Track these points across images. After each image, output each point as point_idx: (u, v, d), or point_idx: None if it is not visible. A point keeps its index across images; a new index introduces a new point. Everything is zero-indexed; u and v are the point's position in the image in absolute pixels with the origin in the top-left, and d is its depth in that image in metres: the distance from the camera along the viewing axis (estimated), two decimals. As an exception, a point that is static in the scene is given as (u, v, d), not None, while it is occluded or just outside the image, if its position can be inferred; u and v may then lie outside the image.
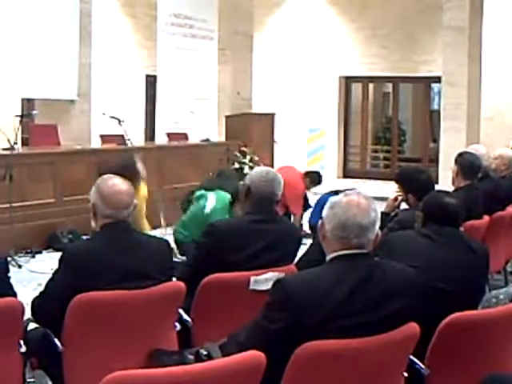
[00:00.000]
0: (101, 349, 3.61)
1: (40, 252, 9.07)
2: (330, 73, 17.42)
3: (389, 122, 18.72)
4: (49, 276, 3.76)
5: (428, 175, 5.53)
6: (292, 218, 9.77)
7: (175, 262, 4.43)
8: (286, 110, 16.95)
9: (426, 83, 17.13)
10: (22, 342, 3.57)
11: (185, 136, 13.07)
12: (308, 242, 4.88)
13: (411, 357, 3.30)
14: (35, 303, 3.77)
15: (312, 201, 10.14)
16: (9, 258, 7.49)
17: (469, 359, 3.48)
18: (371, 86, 18.33)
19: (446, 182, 6.65)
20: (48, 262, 8.19)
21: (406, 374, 3.27)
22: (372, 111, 18.80)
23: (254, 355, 2.66)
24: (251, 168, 11.54)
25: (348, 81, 17.83)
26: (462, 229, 4.11)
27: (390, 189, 6.16)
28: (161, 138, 13.16)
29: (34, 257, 8.86)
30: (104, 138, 11.42)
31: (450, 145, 13.07)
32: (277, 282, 3.00)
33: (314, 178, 10.44)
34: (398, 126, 18.18)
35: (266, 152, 13.52)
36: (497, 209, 6.54)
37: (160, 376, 2.51)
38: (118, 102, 15.34)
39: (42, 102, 12.71)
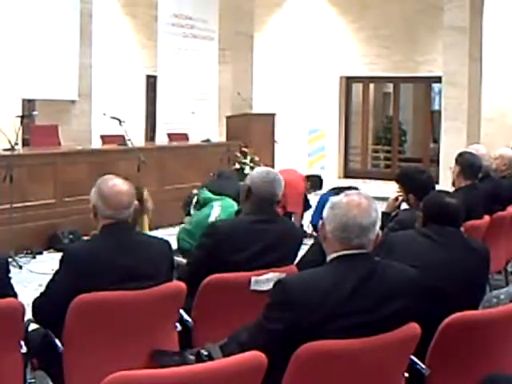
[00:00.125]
0: (101, 349, 3.61)
1: (41, 253, 9.06)
2: (331, 73, 17.42)
3: (389, 122, 18.74)
4: (49, 277, 3.76)
5: (428, 175, 5.54)
6: (292, 219, 9.77)
7: (176, 262, 4.44)
8: (287, 111, 16.95)
9: (427, 83, 17.13)
10: (22, 342, 3.57)
11: (185, 136, 13.06)
12: (309, 242, 4.88)
13: (412, 357, 3.30)
14: (36, 304, 3.77)
15: (313, 201, 10.14)
16: (9, 259, 7.47)
17: (469, 359, 3.48)
18: (372, 86, 18.34)
19: (446, 182, 6.66)
20: (49, 263, 8.19)
21: (406, 374, 3.27)
22: (373, 111, 18.81)
23: (255, 355, 2.66)
24: (252, 168, 11.54)
25: (349, 81, 17.83)
26: (462, 229, 4.11)
27: (391, 189, 6.15)
28: (161, 139, 13.16)
29: (34, 257, 8.85)
30: (104, 139, 11.42)
31: (451, 145, 13.06)
32: (277, 283, 3.00)
33: (315, 182, 10.44)
34: (398, 126, 18.18)
35: (266, 152, 13.51)
36: (497, 209, 6.54)
37: (161, 376, 2.51)
38: (118, 102, 15.34)
39: (43, 103, 12.71)
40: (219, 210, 6.98)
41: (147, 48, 16.37)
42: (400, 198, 5.55)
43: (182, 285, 3.84)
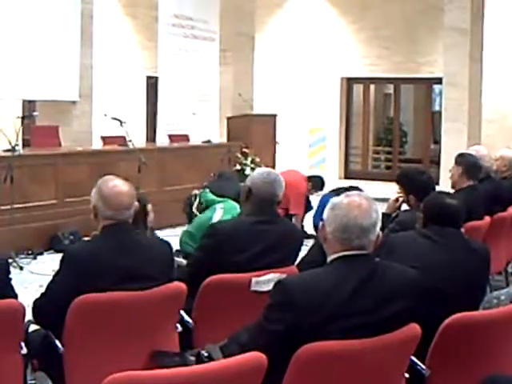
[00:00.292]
0: (102, 350, 3.61)
1: (41, 253, 9.06)
2: (332, 74, 17.42)
3: (390, 123, 18.75)
4: (50, 277, 3.76)
5: (429, 176, 5.54)
6: (293, 220, 9.76)
7: (176, 262, 4.44)
8: (288, 111, 16.94)
9: (428, 84, 17.13)
10: (23, 343, 3.58)
11: (186, 137, 13.06)
12: (310, 243, 4.88)
13: (412, 357, 3.30)
14: (36, 305, 3.77)
15: (314, 202, 10.13)
16: (10, 260, 7.47)
17: (470, 360, 3.48)
18: (372, 87, 18.34)
19: (447, 183, 6.65)
20: (49, 264, 8.20)
21: (406, 375, 3.27)
22: (373, 112, 18.80)
23: (255, 356, 2.66)
24: (253, 169, 11.53)
25: (349, 82, 17.83)
26: (462, 230, 4.11)
27: (392, 190, 6.15)
28: (162, 140, 13.17)
29: (35, 258, 8.85)
30: (105, 140, 11.42)
31: (451, 146, 13.05)
32: (278, 283, 3.00)
33: (317, 183, 10.43)
34: (399, 127, 18.19)
35: (267, 153, 13.51)
36: (498, 210, 6.54)
37: (161, 377, 2.51)
38: (119, 103, 15.33)
39: (43, 103, 12.71)
40: (222, 212, 6.97)
41: (148, 49, 16.37)
42: (400, 199, 5.56)
43: (183, 285, 3.84)
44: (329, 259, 3.07)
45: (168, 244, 4.00)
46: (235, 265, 4.17)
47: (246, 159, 12.72)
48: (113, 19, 16.29)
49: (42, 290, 3.78)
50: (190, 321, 4.15)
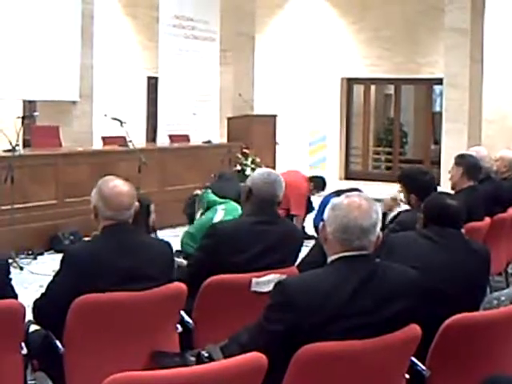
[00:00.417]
0: (102, 350, 3.61)
1: (42, 254, 9.06)
2: (332, 74, 17.43)
3: (391, 124, 18.75)
4: (50, 278, 3.76)
5: (432, 176, 5.54)
6: (294, 220, 9.76)
7: (177, 263, 4.44)
8: (288, 112, 16.95)
9: (428, 85, 17.13)
10: (23, 344, 3.58)
11: (186, 138, 13.06)
12: (310, 243, 4.88)
13: (412, 358, 3.30)
14: (36, 305, 3.77)
15: (316, 202, 10.12)
16: (10, 260, 7.47)
17: (470, 361, 3.48)
18: (373, 87, 18.35)
19: (447, 183, 6.65)
20: (50, 264, 8.20)
21: (407, 376, 3.27)
22: (374, 113, 18.80)
23: (256, 357, 2.66)
24: (253, 170, 11.53)
25: (350, 82, 17.84)
26: (463, 230, 4.11)
27: (392, 190, 6.15)
28: (162, 140, 13.17)
29: (35, 258, 8.85)
30: (106, 140, 11.42)
31: (452, 146, 13.06)
32: (278, 284, 3.00)
33: (319, 183, 10.42)
34: (399, 128, 18.20)
35: (267, 154, 13.51)
36: (498, 210, 6.54)
37: (161, 378, 2.51)
38: (119, 103, 15.35)
39: (44, 104, 12.72)
40: (223, 213, 6.96)
41: (148, 49, 16.38)
42: (399, 198, 5.56)
43: (183, 286, 3.84)
44: (329, 260, 3.07)
45: (168, 244, 4.00)
46: (235, 265, 4.17)
47: (246, 159, 12.72)
48: (113, 19, 16.31)
49: (42, 290, 3.78)
50: (191, 321, 4.15)
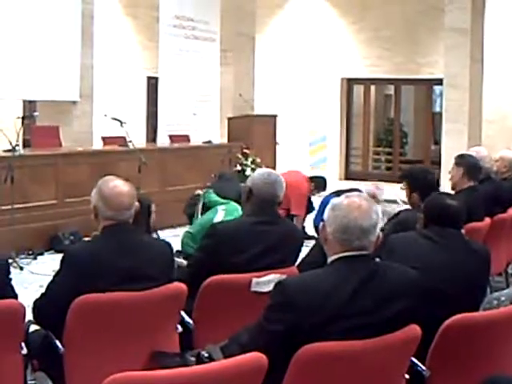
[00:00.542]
0: (102, 350, 3.61)
1: (42, 254, 9.06)
2: (332, 74, 17.42)
3: (391, 124, 18.75)
4: (50, 278, 3.76)
5: (435, 177, 5.56)
6: (294, 221, 9.75)
7: (177, 263, 4.44)
8: (288, 112, 16.95)
9: (428, 85, 17.13)
10: (23, 343, 3.58)
11: (187, 138, 13.06)
12: (310, 243, 4.88)
13: (412, 358, 3.30)
14: (36, 305, 3.77)
15: (316, 203, 10.11)
16: (10, 260, 7.48)
17: (470, 361, 3.48)
18: (373, 87, 18.34)
19: (448, 184, 6.65)
20: (50, 264, 8.20)
21: (407, 376, 3.27)
22: (374, 113, 18.79)
23: (256, 357, 2.66)
24: (253, 170, 11.53)
25: (350, 83, 17.83)
26: (463, 231, 4.11)
27: (392, 191, 6.17)
28: (163, 140, 13.17)
29: (35, 258, 8.85)
30: (106, 140, 11.43)
31: (452, 147, 13.06)
32: (278, 284, 3.00)
33: (319, 184, 10.41)
34: (399, 128, 18.19)
35: (267, 154, 13.51)
36: (498, 211, 6.54)
37: (161, 378, 2.51)
38: (119, 103, 15.34)
39: (44, 104, 12.71)
40: (223, 214, 6.97)
41: (148, 49, 16.38)
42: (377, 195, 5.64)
43: (183, 286, 3.84)
44: (329, 260, 3.07)
45: (168, 244, 4.01)
46: (235, 265, 4.17)
47: (246, 160, 12.71)
48: (113, 19, 16.31)
49: (43, 290, 3.78)
50: (191, 321, 4.15)
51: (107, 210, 3.73)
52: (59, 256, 3.80)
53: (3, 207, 8.69)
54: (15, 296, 3.67)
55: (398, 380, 3.21)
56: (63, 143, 11.17)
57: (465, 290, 3.81)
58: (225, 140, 13.88)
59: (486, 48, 14.32)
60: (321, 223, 3.14)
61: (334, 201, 3.11)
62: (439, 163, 14.33)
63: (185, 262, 5.21)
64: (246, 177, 9.08)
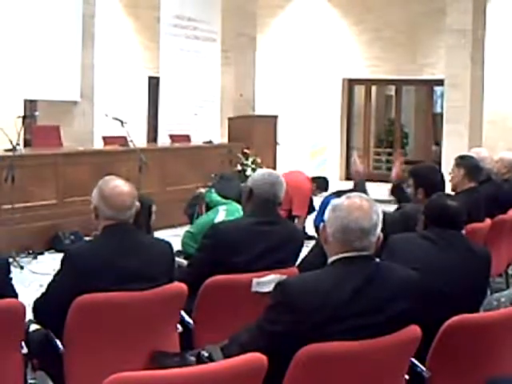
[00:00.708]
0: (102, 350, 3.61)
1: (42, 253, 9.06)
2: (333, 75, 17.43)
3: (391, 125, 18.76)
4: (50, 277, 3.76)
5: (441, 176, 5.58)
6: (296, 221, 9.74)
7: (177, 263, 4.44)
8: (289, 112, 16.95)
9: (429, 86, 17.14)
10: (23, 343, 3.58)
11: (187, 138, 13.07)
12: (311, 244, 4.88)
13: (412, 359, 3.30)
14: (37, 304, 3.77)
15: (316, 203, 10.11)
16: (10, 259, 7.48)
17: (470, 362, 3.48)
18: (374, 88, 18.35)
19: (448, 184, 6.65)
20: (50, 263, 8.20)
21: (407, 377, 3.27)
22: (375, 114, 18.80)
23: (256, 357, 2.66)
24: (254, 170, 11.53)
25: (351, 83, 17.84)
26: (463, 232, 4.11)
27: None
28: (163, 140, 13.17)
29: (35, 258, 8.86)
30: (106, 140, 11.42)
31: (453, 148, 13.06)
32: (278, 284, 3.00)
33: (321, 184, 10.40)
34: (400, 129, 18.20)
35: (268, 154, 13.51)
36: (498, 212, 6.54)
37: (161, 378, 2.51)
38: (120, 103, 15.33)
39: (45, 103, 12.71)
40: (224, 214, 6.97)
41: (149, 49, 16.37)
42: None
43: (183, 286, 3.84)
44: (329, 260, 3.07)
45: (169, 244, 4.00)
46: (236, 265, 4.17)
47: (246, 160, 12.72)
48: (114, 19, 16.30)
49: (43, 289, 3.78)
50: (191, 321, 4.15)
51: (108, 210, 3.72)
52: (59, 255, 3.80)
53: (4, 206, 8.69)
54: (15, 295, 3.67)
55: (397, 381, 3.21)
56: (64, 143, 11.16)
57: (465, 290, 3.81)
58: (225, 140, 13.88)
59: (487, 49, 14.33)
60: (321, 224, 3.14)
61: (335, 201, 3.11)
62: (440, 164, 14.33)
63: (185, 262, 5.21)
64: (247, 177, 9.07)
